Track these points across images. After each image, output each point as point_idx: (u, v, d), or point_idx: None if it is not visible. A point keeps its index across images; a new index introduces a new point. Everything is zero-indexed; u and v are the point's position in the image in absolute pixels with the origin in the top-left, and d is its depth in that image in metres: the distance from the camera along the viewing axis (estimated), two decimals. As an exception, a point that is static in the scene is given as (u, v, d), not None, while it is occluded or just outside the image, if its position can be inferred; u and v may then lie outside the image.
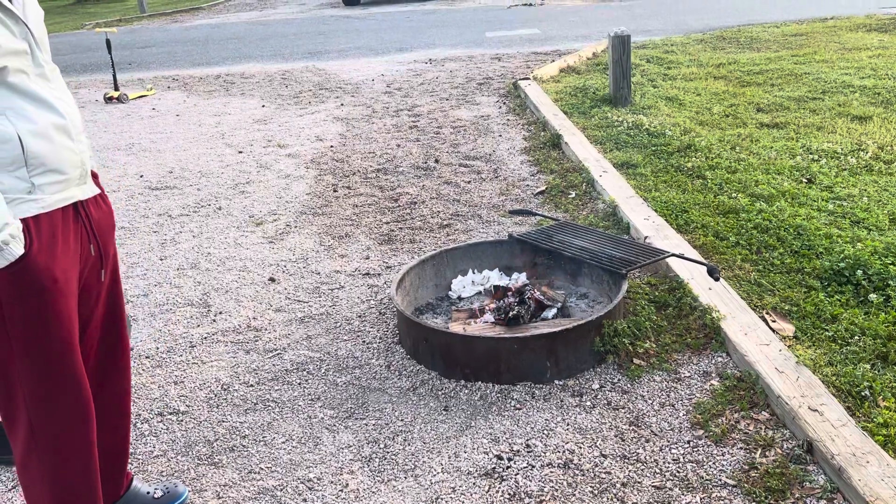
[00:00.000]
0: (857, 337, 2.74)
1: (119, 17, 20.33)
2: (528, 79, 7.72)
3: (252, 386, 2.84)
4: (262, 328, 3.27)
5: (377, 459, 2.38)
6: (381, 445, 2.45)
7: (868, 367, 2.55)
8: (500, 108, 7.00)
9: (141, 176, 5.68)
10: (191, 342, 3.19)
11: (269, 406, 2.71)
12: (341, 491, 2.26)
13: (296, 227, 4.40)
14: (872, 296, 2.99)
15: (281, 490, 2.28)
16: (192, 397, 2.80)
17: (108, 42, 8.72)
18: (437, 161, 5.44)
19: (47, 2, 28.68)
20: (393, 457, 2.39)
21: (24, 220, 1.71)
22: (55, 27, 19.36)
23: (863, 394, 2.41)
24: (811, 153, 4.85)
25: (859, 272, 3.13)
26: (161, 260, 4.09)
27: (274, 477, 2.34)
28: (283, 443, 2.50)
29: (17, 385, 1.79)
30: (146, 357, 3.10)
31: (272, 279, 3.74)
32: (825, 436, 2.18)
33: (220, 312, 3.44)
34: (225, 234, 4.39)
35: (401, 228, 4.26)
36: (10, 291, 1.71)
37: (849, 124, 5.47)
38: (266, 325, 3.30)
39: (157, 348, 3.17)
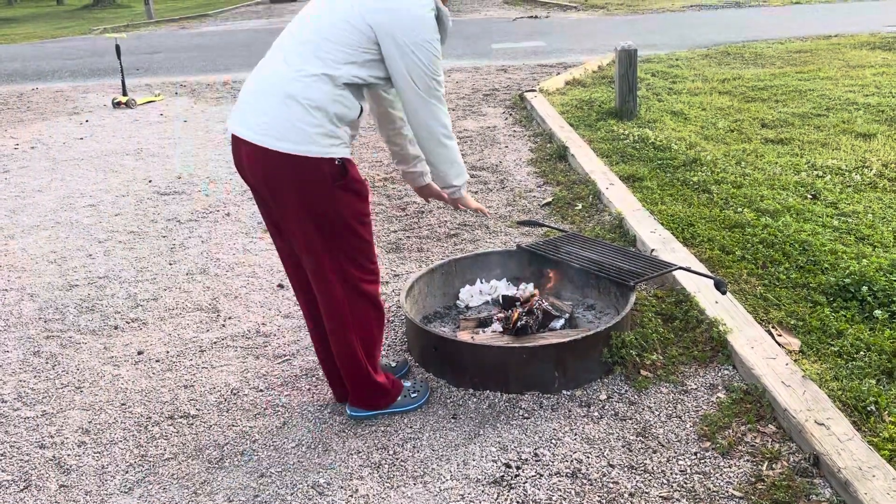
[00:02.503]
0: (862, 352, 2.77)
1: (127, 23, 20.44)
2: (534, 91, 7.78)
3: (261, 391, 2.86)
4: (271, 334, 3.30)
5: (386, 465, 2.40)
6: (391, 452, 2.47)
7: (874, 382, 2.58)
8: (507, 119, 7.04)
9: (150, 181, 5.72)
10: (201, 347, 3.22)
11: (279, 411, 2.73)
12: (351, 496, 2.27)
13: (304, 234, 4.43)
14: (878, 312, 3.02)
15: (291, 495, 2.30)
16: (202, 401, 2.82)
17: (117, 47, 8.79)
18: (444, 171, 5.47)
19: (55, 7, 28.85)
20: (402, 463, 2.41)
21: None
22: (63, 31, 19.48)
23: (868, 408, 2.43)
24: (816, 169, 4.89)
25: (864, 288, 3.15)
26: (170, 265, 4.12)
27: (284, 481, 2.36)
28: (293, 448, 2.52)
29: None
30: (156, 361, 3.12)
31: (281, 285, 3.77)
32: (831, 449, 2.20)
33: (230, 317, 3.47)
34: (233, 240, 4.42)
35: (408, 237, 4.29)
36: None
37: (853, 141, 5.51)
38: (275, 330, 3.32)
39: (168, 352, 3.19)
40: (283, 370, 3.00)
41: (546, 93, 7.73)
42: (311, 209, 2.30)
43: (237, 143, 2.33)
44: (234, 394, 2.86)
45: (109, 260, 4.24)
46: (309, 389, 2.86)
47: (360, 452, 2.48)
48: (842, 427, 2.30)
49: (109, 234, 4.63)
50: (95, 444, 2.60)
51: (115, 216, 4.97)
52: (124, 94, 8.82)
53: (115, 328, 3.43)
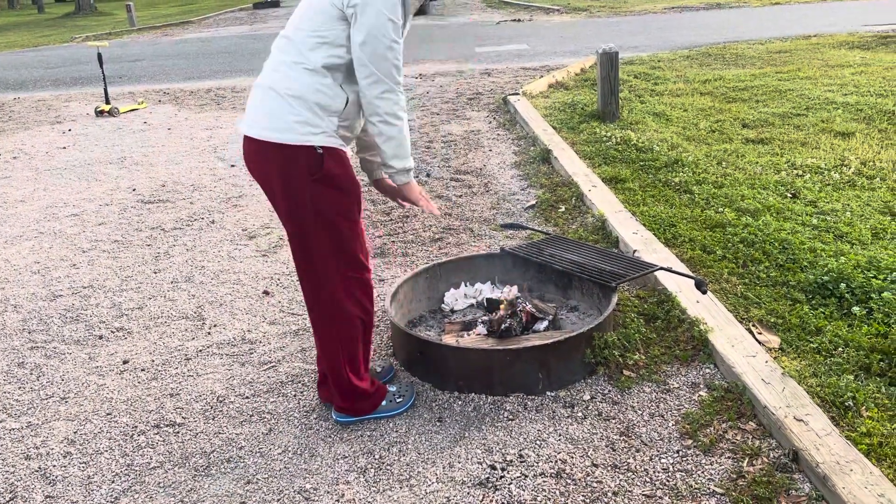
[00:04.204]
0: (840, 349, 2.81)
1: (108, 31, 20.34)
2: (517, 94, 7.82)
3: (247, 398, 2.87)
4: (256, 341, 3.30)
5: (372, 470, 2.42)
6: (377, 456, 2.49)
7: (851, 378, 2.62)
8: (491, 122, 7.08)
9: (133, 189, 5.71)
10: (186, 355, 3.22)
11: (265, 418, 2.74)
12: (337, 501, 2.29)
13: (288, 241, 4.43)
14: (855, 308, 3.06)
15: (278, 501, 2.31)
16: (188, 409, 2.82)
17: (99, 56, 8.76)
18: (428, 175, 5.50)
19: (36, 15, 28.65)
20: (388, 467, 2.43)
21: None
22: (44, 40, 19.36)
23: (846, 404, 2.47)
24: (796, 168, 4.95)
25: (843, 285, 3.20)
26: (155, 273, 4.11)
27: (271, 487, 2.37)
28: (280, 454, 2.53)
29: None
30: (142, 370, 3.12)
31: (266, 292, 3.78)
32: (810, 445, 2.24)
33: (215, 325, 3.47)
34: (218, 248, 4.42)
35: (393, 242, 4.30)
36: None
37: (832, 140, 5.59)
38: (261, 337, 3.33)
39: (153, 361, 3.19)
40: (268, 377, 3.01)
41: (529, 96, 7.78)
42: (292, 201, 2.35)
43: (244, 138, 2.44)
44: (220, 401, 2.86)
45: (93, 269, 4.23)
46: (294, 396, 2.87)
47: (346, 457, 2.49)
48: (820, 423, 2.34)
49: (93, 244, 4.62)
50: (81, 454, 2.60)
51: (98, 225, 4.96)
52: (107, 102, 8.79)
53: (100, 338, 3.43)
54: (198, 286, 3.91)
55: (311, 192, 2.33)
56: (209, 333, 3.40)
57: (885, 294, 3.08)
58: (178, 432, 2.68)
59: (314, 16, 2.29)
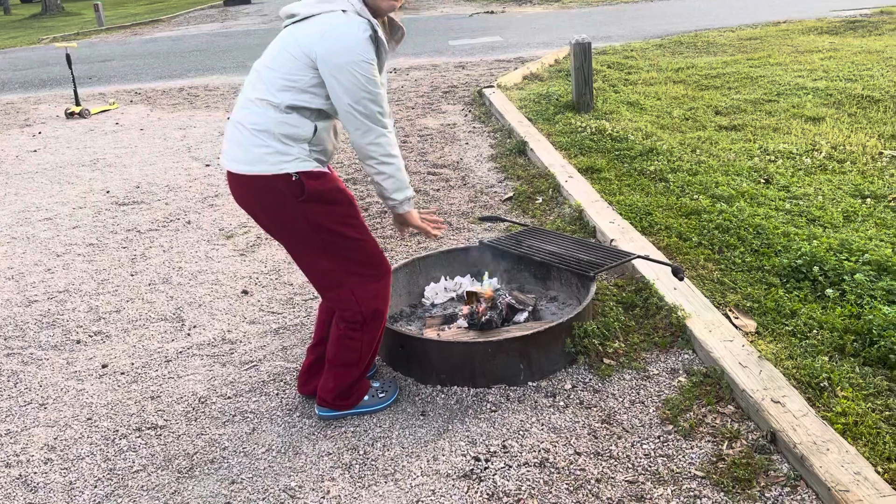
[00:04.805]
0: (815, 331, 2.86)
1: (77, 31, 20.04)
2: (492, 86, 7.83)
3: (230, 398, 2.86)
4: (237, 341, 3.29)
5: (357, 465, 2.42)
6: (361, 452, 2.49)
7: (826, 359, 2.67)
8: (466, 115, 7.08)
9: (107, 192, 5.64)
10: (166, 357, 3.20)
11: (248, 417, 2.73)
12: (323, 498, 2.29)
13: (266, 239, 4.42)
14: (829, 291, 3.12)
15: (263, 499, 2.30)
16: (169, 411, 2.81)
17: (68, 57, 8.63)
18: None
19: (1, 17, 28.13)
20: (373, 462, 2.43)
21: None
22: (11, 42, 19.04)
23: (822, 385, 2.52)
24: (768, 154, 5.02)
25: (816, 268, 3.26)
26: (132, 276, 4.08)
27: (256, 487, 2.36)
28: (264, 453, 2.53)
29: None
30: (121, 373, 3.10)
31: (245, 292, 3.76)
32: (787, 426, 2.28)
33: (195, 326, 3.45)
34: (196, 248, 4.39)
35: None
36: None
37: (803, 125, 5.66)
38: (241, 337, 3.32)
39: (133, 364, 3.16)
40: (250, 376, 3.00)
41: (504, 88, 7.79)
42: (285, 227, 2.45)
43: None
44: (202, 402, 2.85)
45: (69, 273, 4.18)
46: (277, 394, 2.86)
47: (330, 454, 2.49)
48: (797, 404, 2.38)
49: (67, 248, 4.57)
50: (62, 460, 2.57)
51: (72, 229, 4.90)
52: (77, 103, 8.67)
53: (78, 342, 3.39)
54: (176, 287, 3.88)
55: (304, 212, 2.40)
56: (189, 335, 3.38)
57: (857, 276, 3.14)
58: (160, 435, 2.67)
59: (287, 60, 2.34)
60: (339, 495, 2.30)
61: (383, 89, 2.41)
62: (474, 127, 6.64)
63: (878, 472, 2.08)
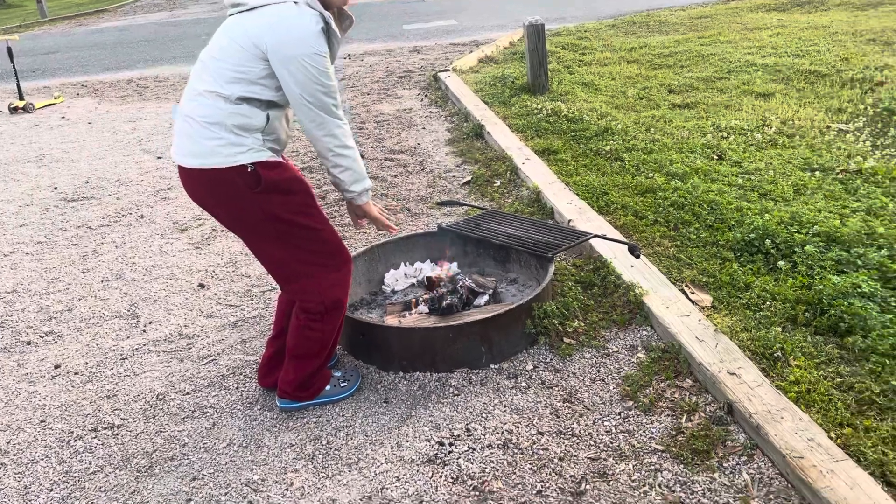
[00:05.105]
0: (768, 302, 2.92)
1: (18, 24, 19.38)
2: (447, 70, 7.80)
3: (188, 394, 2.81)
4: (194, 335, 3.23)
5: (320, 456, 2.41)
6: (324, 442, 2.47)
7: (779, 329, 2.72)
8: (422, 100, 7.04)
9: (55, 188, 5.48)
10: (121, 355, 3.13)
11: (208, 412, 2.69)
12: (286, 490, 2.27)
13: (222, 231, 4.34)
14: (781, 263, 3.18)
15: (225, 495, 2.28)
16: (126, 410, 2.75)
17: (9, 50, 8.34)
18: (362, 156, 5.45)
19: (-63, 8, 27.09)
20: (336, 452, 2.42)
21: None
22: (-52, 35, 18.31)
23: (776, 355, 2.57)
24: (720, 131, 5.09)
25: (768, 241, 3.32)
26: (83, 273, 3.97)
27: (217, 482, 2.33)
28: (225, 448, 2.49)
29: None
30: (75, 373, 3.02)
31: (202, 285, 3.69)
32: (743, 397, 2.33)
33: (150, 322, 3.38)
34: (149, 243, 4.29)
35: (330, 226, 4.25)
36: None
37: (753, 101, 5.75)
38: (198, 332, 3.26)
39: (87, 363, 3.09)
40: (209, 371, 2.95)
41: (460, 72, 7.77)
42: (242, 219, 2.40)
43: None
44: (160, 399, 2.79)
45: (17, 273, 4.05)
46: (237, 388, 2.82)
47: (293, 445, 2.47)
48: (752, 375, 2.43)
49: (14, 247, 4.43)
50: (16, 464, 2.51)
51: (19, 227, 4.75)
52: (20, 98, 8.40)
53: (28, 343, 3.30)
54: (129, 283, 3.79)
55: (261, 204, 2.36)
56: (144, 331, 3.31)
57: (807, 247, 3.21)
58: (117, 434, 2.61)
59: (235, 52, 2.28)
60: (303, 486, 2.28)
61: (335, 80, 2.38)
62: (431, 111, 6.60)
63: (831, 438, 2.14)
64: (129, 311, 3.51)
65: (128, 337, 3.27)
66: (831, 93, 5.75)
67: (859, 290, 2.83)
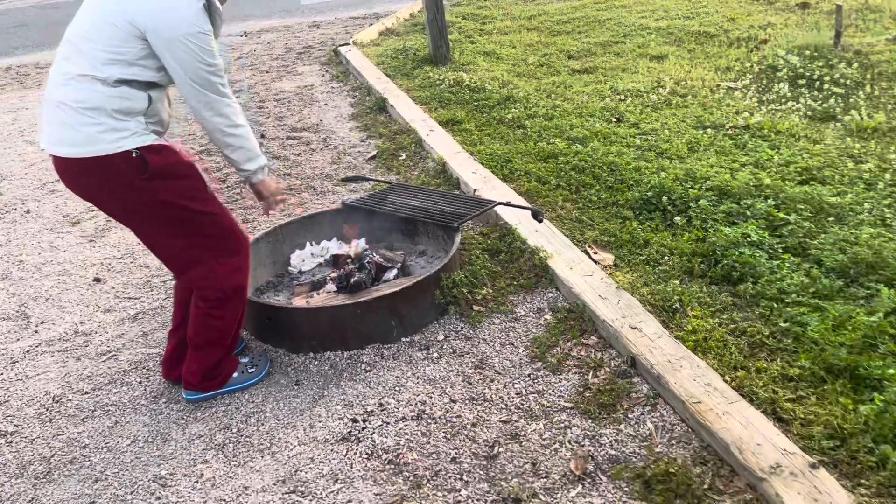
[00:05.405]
0: (666, 257, 3.02)
1: None
2: (348, 44, 7.65)
3: (87, 393, 2.68)
4: (91, 332, 3.08)
5: (231, 444, 2.35)
6: (234, 430, 2.41)
7: (677, 282, 2.82)
8: (324, 76, 6.89)
9: (-71, 186, 5.09)
10: (12, 358, 2.95)
11: (109, 411, 2.58)
12: (196, 482, 2.21)
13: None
14: (677, 218, 3.29)
15: (132, 493, 2.19)
16: (20, 416, 2.60)
17: None
18: (262, 136, 5.30)
19: None
20: (247, 439, 2.36)
21: None
22: None
23: (674, 307, 2.67)
24: (618, 94, 5.20)
25: (665, 199, 3.42)
26: (-35, 275, 3.72)
27: (123, 481, 2.24)
28: (129, 445, 2.39)
29: None
30: (-39, 382, 2.83)
31: (97, 279, 3.52)
32: (645, 349, 2.40)
33: (42, 322, 3.20)
34: (38, 238, 4.05)
35: (231, 210, 4.12)
36: None
37: (648, 64, 5.90)
38: (96, 328, 3.11)
39: (-27, 371, 2.90)
40: (109, 367, 2.82)
41: (361, 45, 7.63)
42: (131, 208, 2.29)
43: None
44: (57, 401, 2.66)
45: None
46: (140, 383, 2.71)
47: (202, 436, 2.40)
48: (652, 328, 2.52)
49: None
50: None
51: None
52: None
53: None
54: (17, 283, 3.57)
55: (149, 190, 2.25)
56: (36, 331, 3.13)
57: (701, 202, 3.33)
58: (10, 442, 2.47)
59: (107, 30, 2.14)
60: (214, 476, 2.22)
61: (220, 59, 2.28)
62: (332, 87, 6.47)
63: (726, 381, 2.24)
64: (17, 311, 3.31)
65: (17, 339, 3.09)
66: (720, 52, 5.97)
67: (749, 240, 2.97)
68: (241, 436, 2.38)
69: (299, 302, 2.99)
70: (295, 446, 2.31)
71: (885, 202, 3.22)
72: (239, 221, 2.54)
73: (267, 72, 7.25)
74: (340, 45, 7.64)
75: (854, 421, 2.02)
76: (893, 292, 2.52)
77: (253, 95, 6.43)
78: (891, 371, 2.16)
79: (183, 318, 2.59)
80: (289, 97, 6.28)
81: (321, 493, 2.11)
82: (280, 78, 6.97)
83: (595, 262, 3.03)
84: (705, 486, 1.93)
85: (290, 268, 3.33)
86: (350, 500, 2.08)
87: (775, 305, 2.60)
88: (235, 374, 2.60)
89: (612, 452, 2.12)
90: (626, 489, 1.99)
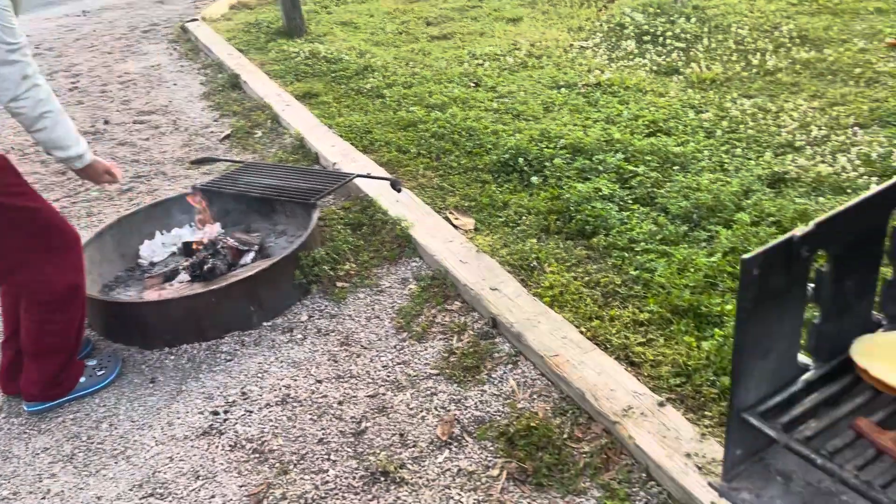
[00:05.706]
0: (524, 217, 3.07)
1: None
2: (196, 20, 7.26)
3: (-87, 418, 2.43)
4: (-84, 350, 2.79)
5: (81, 453, 2.19)
6: (84, 438, 2.26)
7: (535, 241, 2.88)
8: (171, 54, 6.52)
9: None
10: None
11: (-61, 434, 2.34)
12: (43, 499, 2.05)
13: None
14: (534, 178, 3.35)
15: (-31, 521, 2.01)
16: None
17: None
18: (106, 122, 4.95)
19: None
20: (99, 446, 2.22)
21: None
22: None
23: (532, 265, 2.72)
24: (476, 58, 5.22)
25: (521, 160, 3.47)
26: None
27: (-42, 510, 2.05)
28: (-36, 469, 2.19)
29: None
30: None
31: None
32: (504, 309, 2.43)
33: None
34: None
35: (73, 203, 3.83)
36: None
37: (504, 27, 5.96)
38: (-79, 345, 2.81)
39: None
40: (-63, 387, 2.56)
41: (210, 20, 7.27)
42: None
43: None
44: None
45: None
46: (-26, 399, 2.48)
47: (47, 449, 2.23)
48: (511, 287, 2.55)
49: None
50: None
51: None
52: None
53: None
54: None
55: None
56: None
57: (555, 161, 3.40)
58: None
59: None
60: (62, 490, 2.07)
61: (23, 37, 2.07)
62: (182, 66, 6.13)
63: (582, 332, 2.30)
64: None
65: None
66: (571, 13, 6.10)
67: (600, 194, 3.06)
68: (93, 443, 2.23)
69: (151, 295, 2.82)
70: (152, 447, 2.19)
71: (723, 148, 3.41)
72: (65, 215, 2.35)
73: (109, 53, 6.77)
74: (188, 21, 7.24)
75: (697, 357, 2.13)
76: (730, 233, 2.67)
77: (94, 79, 5.99)
78: (729, 307, 2.29)
79: (16, 326, 2.38)
80: (134, 79, 5.90)
81: (182, 493, 2.01)
82: (124, 59, 6.52)
83: (456, 227, 3.03)
84: (564, 436, 1.98)
85: (140, 260, 3.14)
86: (213, 496, 1.99)
87: (626, 255, 2.70)
88: (83, 379, 2.43)
89: (478, 413, 2.14)
90: (490, 448, 2.01)
